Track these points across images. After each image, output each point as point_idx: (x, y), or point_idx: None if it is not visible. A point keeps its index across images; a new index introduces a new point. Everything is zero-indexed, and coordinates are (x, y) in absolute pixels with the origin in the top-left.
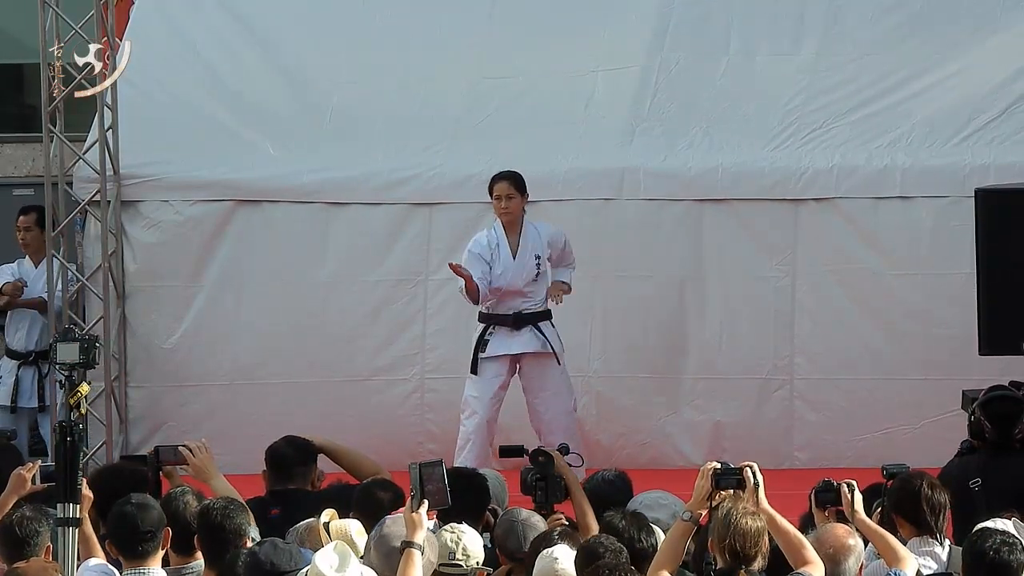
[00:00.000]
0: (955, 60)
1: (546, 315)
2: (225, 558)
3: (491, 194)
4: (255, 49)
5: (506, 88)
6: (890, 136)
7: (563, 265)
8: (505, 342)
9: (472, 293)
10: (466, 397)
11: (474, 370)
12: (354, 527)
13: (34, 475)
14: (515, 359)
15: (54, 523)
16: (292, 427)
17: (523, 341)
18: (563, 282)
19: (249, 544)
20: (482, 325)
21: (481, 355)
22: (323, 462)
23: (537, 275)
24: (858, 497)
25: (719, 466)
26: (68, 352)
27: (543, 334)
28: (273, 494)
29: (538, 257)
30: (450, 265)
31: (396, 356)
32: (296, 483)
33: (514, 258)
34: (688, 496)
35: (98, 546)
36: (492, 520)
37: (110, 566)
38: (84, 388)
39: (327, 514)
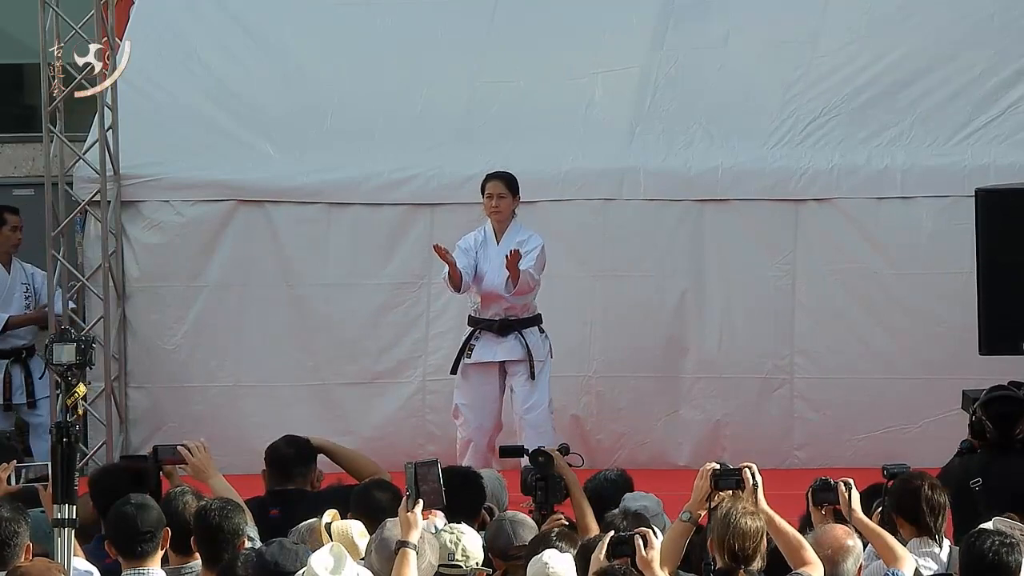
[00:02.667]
0: (955, 60)
1: (533, 321)
2: (223, 559)
3: (483, 192)
4: (255, 49)
5: (507, 88)
6: (890, 136)
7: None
8: (491, 348)
9: (455, 280)
10: (456, 404)
11: (454, 370)
12: (356, 528)
13: (9, 475)
14: (502, 365)
15: (51, 524)
16: (293, 428)
17: (507, 348)
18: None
19: (247, 544)
20: (470, 329)
21: (466, 360)
22: (323, 462)
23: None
24: (855, 496)
25: (718, 467)
26: (65, 353)
27: (526, 341)
28: (273, 494)
29: None
30: (435, 247)
31: (398, 358)
32: (296, 483)
33: (496, 258)
34: (687, 496)
35: (76, 544)
36: (489, 519)
37: (89, 565)
38: (81, 389)
39: (329, 515)
